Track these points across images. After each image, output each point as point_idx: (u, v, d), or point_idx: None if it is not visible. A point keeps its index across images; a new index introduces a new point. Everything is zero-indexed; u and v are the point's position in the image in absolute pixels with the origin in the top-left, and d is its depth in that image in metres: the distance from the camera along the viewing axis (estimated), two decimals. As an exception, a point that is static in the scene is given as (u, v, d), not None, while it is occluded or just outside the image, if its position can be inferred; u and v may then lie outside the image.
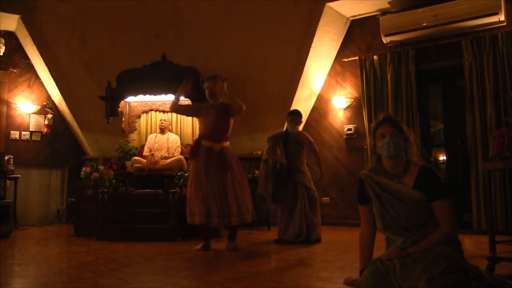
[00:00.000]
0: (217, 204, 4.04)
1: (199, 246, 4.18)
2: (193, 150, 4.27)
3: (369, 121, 5.79)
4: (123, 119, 6.48)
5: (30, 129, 6.96)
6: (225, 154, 4.16)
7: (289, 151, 4.66)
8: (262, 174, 4.69)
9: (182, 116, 6.68)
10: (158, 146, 6.21)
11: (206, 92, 4.26)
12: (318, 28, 5.93)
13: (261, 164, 4.74)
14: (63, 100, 6.85)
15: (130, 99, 6.40)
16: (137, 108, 6.71)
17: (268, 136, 4.85)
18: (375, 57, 5.93)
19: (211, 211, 4.02)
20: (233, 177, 4.13)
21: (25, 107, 6.89)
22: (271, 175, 4.62)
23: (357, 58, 6.13)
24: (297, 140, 4.74)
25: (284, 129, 5.01)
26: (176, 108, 4.43)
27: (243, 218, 4.11)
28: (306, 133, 4.97)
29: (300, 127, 4.97)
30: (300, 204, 4.52)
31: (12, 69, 6.78)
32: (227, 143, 4.26)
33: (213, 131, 4.19)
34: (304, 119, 5.45)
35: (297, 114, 4.81)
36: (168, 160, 5.95)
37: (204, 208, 4.02)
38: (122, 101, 6.20)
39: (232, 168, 4.15)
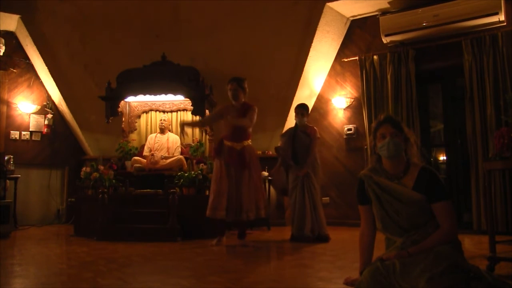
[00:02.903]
0: (231, 200, 4.26)
1: (214, 241, 4.37)
2: (216, 149, 4.48)
3: (369, 121, 5.79)
4: (123, 119, 6.48)
5: (30, 129, 6.96)
6: (245, 154, 4.36)
7: (297, 143, 4.78)
8: (275, 169, 4.99)
9: (182, 116, 6.70)
10: (158, 146, 6.21)
11: (230, 93, 4.41)
12: (318, 28, 5.93)
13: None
14: (63, 100, 6.85)
15: (130, 99, 6.40)
16: (137, 108, 6.72)
17: (280, 134, 5.06)
18: (375, 57, 5.93)
19: (226, 205, 4.25)
20: (249, 176, 4.33)
21: (25, 107, 6.89)
22: (283, 168, 4.89)
23: (357, 58, 6.13)
24: (306, 132, 4.85)
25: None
26: (208, 123, 4.92)
27: (256, 214, 4.32)
28: (315, 128, 5.03)
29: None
30: (308, 197, 4.65)
31: (12, 69, 6.78)
32: (248, 142, 4.44)
33: (234, 132, 4.37)
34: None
35: (302, 106, 4.95)
36: (168, 160, 5.95)
37: (225, 204, 4.26)
38: (122, 101, 6.19)
39: (250, 167, 4.35)
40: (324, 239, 4.59)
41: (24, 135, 6.92)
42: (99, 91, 6.12)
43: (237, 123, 4.37)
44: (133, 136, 6.67)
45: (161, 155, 6.04)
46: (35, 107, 6.98)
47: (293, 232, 4.71)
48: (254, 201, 4.32)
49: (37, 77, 7.06)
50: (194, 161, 5.76)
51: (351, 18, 6.26)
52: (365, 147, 5.91)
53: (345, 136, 6.32)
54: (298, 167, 4.72)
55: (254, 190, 4.34)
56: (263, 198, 4.46)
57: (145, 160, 6.01)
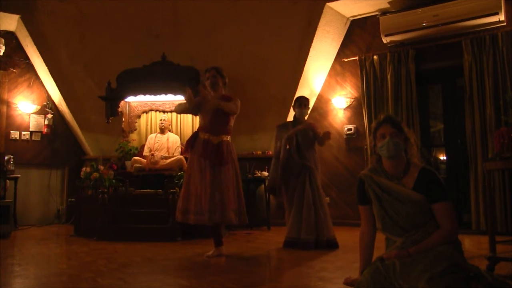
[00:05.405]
0: (197, 200, 3.72)
1: (210, 253, 3.78)
2: (188, 142, 3.95)
3: (369, 121, 5.79)
4: (123, 119, 6.48)
5: (30, 129, 6.96)
6: (223, 149, 3.82)
7: (300, 137, 4.38)
8: (271, 165, 4.45)
9: (182, 116, 6.69)
10: (158, 146, 6.21)
11: (208, 82, 3.97)
12: (318, 28, 5.93)
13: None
14: (63, 100, 6.85)
15: (130, 99, 6.40)
16: (137, 108, 6.72)
17: (277, 125, 4.61)
18: (375, 57, 5.93)
19: (195, 207, 3.71)
20: (227, 174, 3.80)
21: (25, 107, 6.89)
22: (278, 162, 4.34)
23: (357, 58, 6.13)
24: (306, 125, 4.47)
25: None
26: (181, 110, 4.35)
27: (239, 218, 3.83)
28: (313, 122, 4.84)
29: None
30: (307, 193, 4.18)
31: (12, 69, 6.78)
32: (227, 137, 3.91)
33: (211, 123, 3.86)
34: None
35: (302, 97, 4.54)
36: (168, 160, 5.95)
37: (193, 206, 3.73)
38: (122, 101, 6.20)
39: (227, 164, 3.82)
40: (332, 244, 4.10)
41: (24, 135, 6.92)
42: (99, 91, 6.12)
43: (222, 106, 3.80)
44: (133, 136, 6.67)
45: (161, 155, 6.04)
46: (35, 107, 6.98)
47: (286, 235, 4.20)
48: (233, 203, 3.76)
49: (37, 77, 7.06)
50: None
51: (351, 18, 6.26)
52: (365, 147, 5.91)
53: (345, 136, 6.32)
54: (302, 160, 4.29)
55: (233, 190, 3.80)
56: (233, 201, 3.79)
57: (145, 160, 6.01)
